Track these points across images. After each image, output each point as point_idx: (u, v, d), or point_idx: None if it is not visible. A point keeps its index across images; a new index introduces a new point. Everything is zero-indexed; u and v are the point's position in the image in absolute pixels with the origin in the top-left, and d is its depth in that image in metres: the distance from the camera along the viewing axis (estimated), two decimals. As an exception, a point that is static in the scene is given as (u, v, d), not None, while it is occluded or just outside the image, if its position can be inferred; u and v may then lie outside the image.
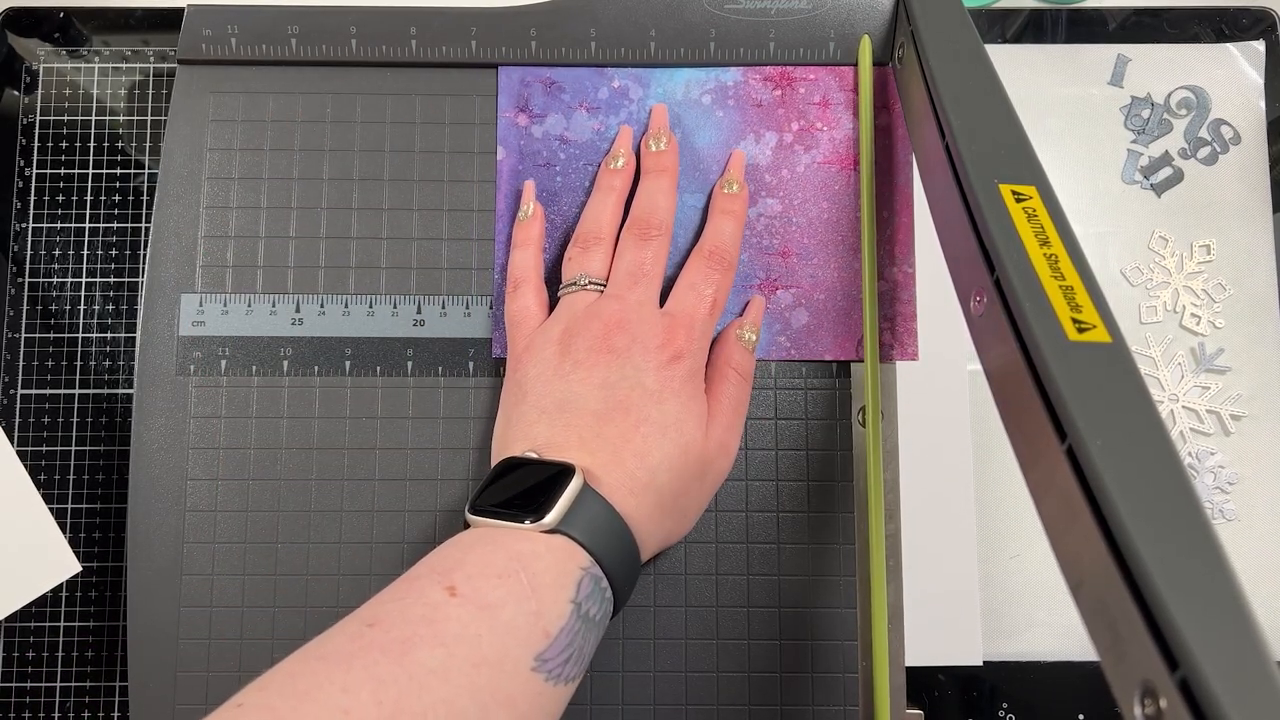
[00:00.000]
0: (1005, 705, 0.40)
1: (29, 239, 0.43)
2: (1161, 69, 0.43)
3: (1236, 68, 0.43)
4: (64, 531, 0.41)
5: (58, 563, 0.41)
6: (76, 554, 0.41)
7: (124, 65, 0.44)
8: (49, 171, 0.43)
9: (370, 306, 0.41)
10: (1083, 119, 0.43)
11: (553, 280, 0.40)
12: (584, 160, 0.41)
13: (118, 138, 0.43)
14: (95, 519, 0.41)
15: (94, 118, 0.44)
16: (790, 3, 0.41)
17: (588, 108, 0.42)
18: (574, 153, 0.42)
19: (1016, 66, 0.43)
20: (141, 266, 0.42)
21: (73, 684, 0.40)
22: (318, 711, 0.24)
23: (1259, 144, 0.43)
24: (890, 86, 0.41)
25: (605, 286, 0.38)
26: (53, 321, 0.42)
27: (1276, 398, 0.41)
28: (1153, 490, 0.22)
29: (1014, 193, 0.29)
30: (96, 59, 0.44)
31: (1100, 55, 0.43)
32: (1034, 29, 0.44)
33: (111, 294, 0.42)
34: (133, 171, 0.43)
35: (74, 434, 0.42)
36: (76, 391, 0.42)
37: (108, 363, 0.42)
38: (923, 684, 0.40)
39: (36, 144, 0.43)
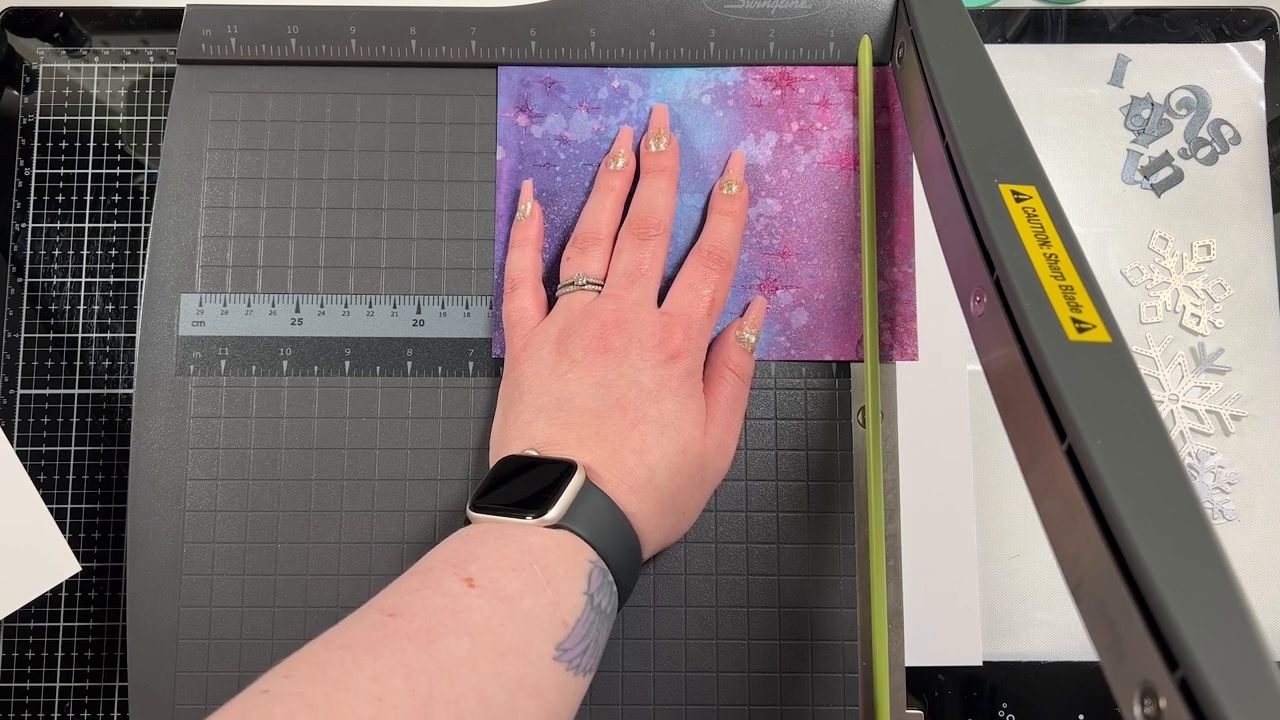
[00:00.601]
0: (1005, 705, 0.40)
1: (29, 239, 0.43)
2: (1161, 69, 0.43)
3: (1236, 68, 0.43)
4: (64, 531, 0.41)
5: (57, 563, 0.41)
6: (76, 554, 0.41)
7: (124, 65, 0.44)
8: (49, 171, 0.43)
9: (370, 306, 0.41)
10: (1083, 119, 0.43)
11: (552, 280, 0.40)
12: (584, 160, 0.41)
13: (117, 138, 0.43)
14: (95, 519, 0.41)
15: (94, 118, 0.44)
16: (790, 3, 0.41)
17: (587, 108, 0.42)
18: (574, 153, 0.41)
19: (1016, 66, 0.43)
20: (141, 266, 0.42)
21: (73, 684, 0.40)
22: (351, 700, 0.23)
23: (1259, 144, 0.43)
24: (890, 86, 0.41)
25: (603, 286, 0.38)
26: (52, 321, 0.42)
27: (1276, 398, 0.41)
28: (1153, 490, 0.22)
29: (1014, 192, 0.29)
30: (96, 59, 0.44)
31: (1100, 55, 0.43)
32: (1034, 29, 0.44)
33: (111, 294, 0.42)
34: (132, 171, 0.43)
35: (73, 434, 0.42)
36: (76, 391, 0.42)
37: (107, 362, 0.42)
38: (923, 684, 0.40)
39: (36, 144, 0.43)
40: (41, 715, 0.40)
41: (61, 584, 0.41)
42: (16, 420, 0.42)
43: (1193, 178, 0.43)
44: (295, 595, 0.39)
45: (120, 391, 0.42)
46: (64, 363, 0.42)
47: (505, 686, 0.26)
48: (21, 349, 0.42)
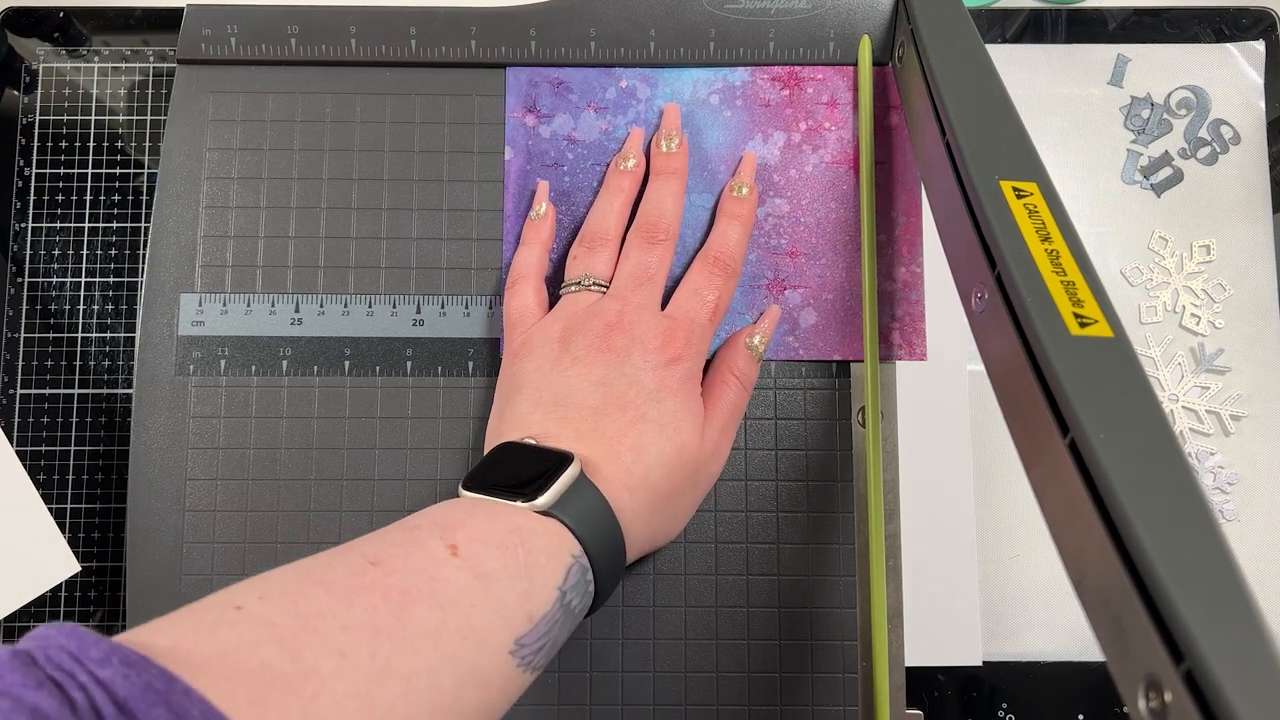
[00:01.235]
0: (1005, 705, 0.40)
1: (29, 239, 0.43)
2: (1161, 69, 0.43)
3: (1236, 68, 0.43)
4: (63, 531, 0.41)
5: (57, 563, 0.41)
6: (76, 554, 0.41)
7: (124, 65, 0.44)
8: (49, 171, 0.43)
9: (370, 306, 0.41)
10: (1083, 119, 0.43)
11: (556, 279, 0.40)
12: (592, 160, 0.41)
13: (117, 137, 0.43)
14: (95, 519, 0.41)
15: (94, 117, 0.44)
16: (790, 3, 0.41)
17: (595, 108, 0.42)
18: (582, 153, 0.42)
19: (1016, 66, 0.43)
20: (141, 266, 0.42)
21: (71, 685, 0.40)
22: (317, 644, 0.23)
23: (1259, 144, 0.43)
24: (893, 86, 0.41)
25: (608, 287, 0.38)
26: (52, 321, 0.42)
27: (1276, 398, 0.41)
28: (1156, 483, 0.22)
29: (1015, 189, 0.29)
30: (96, 59, 0.44)
31: (1100, 55, 0.43)
32: (1034, 29, 0.44)
33: (111, 294, 0.42)
34: (132, 171, 0.43)
35: (73, 434, 0.41)
36: (76, 391, 0.42)
37: (107, 362, 0.42)
38: (923, 684, 0.40)
39: (36, 144, 0.43)
40: (39, 716, 0.40)
41: (61, 584, 0.41)
42: (16, 420, 0.41)
43: (1192, 178, 0.43)
44: (295, 595, 0.39)
45: (120, 391, 0.42)
46: (64, 363, 0.42)
47: (455, 674, 0.26)
48: (21, 349, 0.42)
